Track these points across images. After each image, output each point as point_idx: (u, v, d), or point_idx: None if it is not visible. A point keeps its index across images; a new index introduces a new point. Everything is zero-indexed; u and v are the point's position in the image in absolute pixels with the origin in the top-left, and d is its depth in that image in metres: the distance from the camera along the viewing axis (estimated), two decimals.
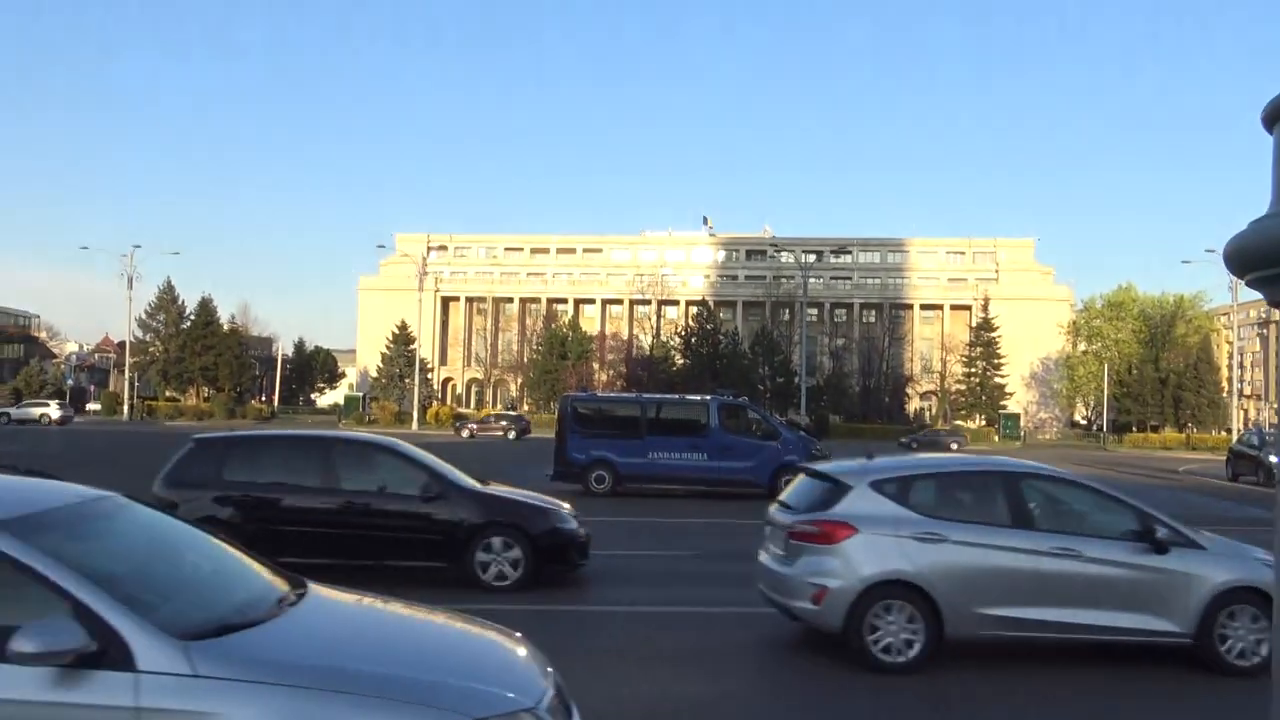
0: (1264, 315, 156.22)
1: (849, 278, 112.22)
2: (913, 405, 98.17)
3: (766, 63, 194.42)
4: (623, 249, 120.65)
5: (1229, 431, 70.27)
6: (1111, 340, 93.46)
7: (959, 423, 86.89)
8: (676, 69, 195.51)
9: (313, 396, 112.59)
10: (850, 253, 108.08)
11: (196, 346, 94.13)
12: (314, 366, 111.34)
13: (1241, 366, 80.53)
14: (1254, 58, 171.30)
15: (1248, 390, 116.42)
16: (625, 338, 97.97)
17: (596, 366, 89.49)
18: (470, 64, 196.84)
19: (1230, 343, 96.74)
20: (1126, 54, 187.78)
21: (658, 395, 29.20)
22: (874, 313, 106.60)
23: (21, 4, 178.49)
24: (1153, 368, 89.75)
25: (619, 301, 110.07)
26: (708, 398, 25.47)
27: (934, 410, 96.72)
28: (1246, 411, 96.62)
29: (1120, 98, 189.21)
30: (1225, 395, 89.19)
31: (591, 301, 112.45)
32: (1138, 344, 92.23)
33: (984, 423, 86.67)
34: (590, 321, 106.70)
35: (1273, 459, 30.44)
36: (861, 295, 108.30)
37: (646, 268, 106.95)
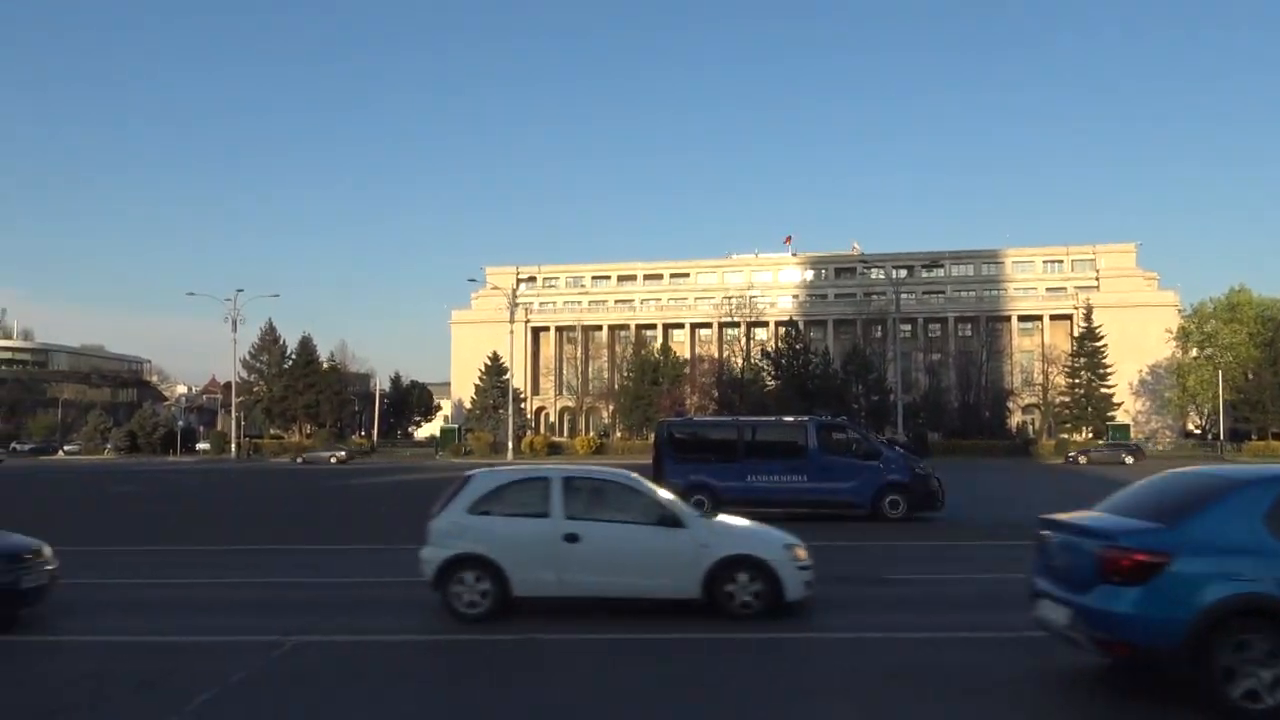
0: None
1: (942, 291, 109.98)
2: (1014, 419, 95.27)
3: (845, 80, 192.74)
4: (709, 273, 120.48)
5: None
6: (1226, 345, 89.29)
7: (1064, 436, 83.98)
8: (754, 90, 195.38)
9: (410, 429, 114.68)
10: (942, 266, 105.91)
11: (299, 385, 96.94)
12: (410, 400, 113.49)
13: None
14: None
15: None
16: (715, 361, 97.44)
17: (688, 390, 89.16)
18: (553, 99, 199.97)
19: None
20: (1214, 54, 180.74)
21: (755, 418, 28.77)
22: (970, 326, 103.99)
23: (121, 65, 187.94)
24: (1271, 372, 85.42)
25: (707, 325, 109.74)
26: (806, 419, 24.99)
27: (1037, 424, 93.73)
28: None
29: (1214, 96, 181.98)
30: None
31: (680, 326, 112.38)
32: (1254, 348, 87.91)
33: (1090, 435, 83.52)
34: (680, 346, 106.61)
35: None
36: (956, 309, 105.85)
37: (734, 290, 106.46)
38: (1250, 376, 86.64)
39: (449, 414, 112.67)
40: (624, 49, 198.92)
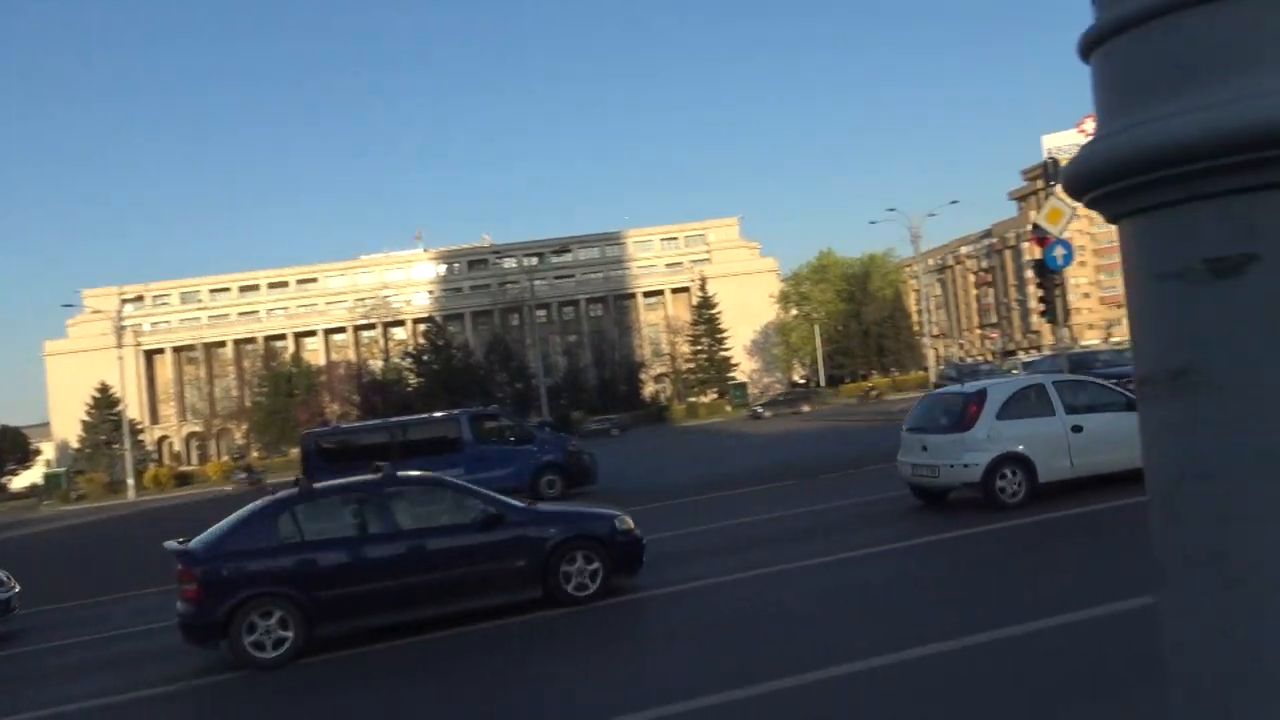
0: (940, 263, 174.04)
1: (572, 275, 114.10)
2: (649, 389, 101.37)
3: (459, 77, 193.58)
4: (339, 275, 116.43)
5: (925, 370, 77.51)
6: (819, 303, 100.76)
7: (692, 400, 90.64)
8: (371, 90, 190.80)
9: (3, 480, 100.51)
10: (571, 251, 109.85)
11: None
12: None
13: (929, 310, 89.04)
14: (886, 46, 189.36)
15: (936, 331, 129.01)
16: (353, 365, 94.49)
17: (327, 398, 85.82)
18: (142, 105, 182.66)
19: (917, 290, 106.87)
20: (796, 39, 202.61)
21: (405, 417, 28.39)
22: (601, 306, 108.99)
23: None
24: (856, 322, 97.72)
25: (341, 330, 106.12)
26: (457, 412, 25.10)
27: (669, 391, 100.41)
28: (937, 350, 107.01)
29: (796, 78, 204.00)
30: (919, 337, 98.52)
31: (312, 333, 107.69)
32: (841, 302, 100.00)
33: (716, 395, 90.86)
34: (314, 354, 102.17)
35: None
36: (587, 291, 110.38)
37: (366, 291, 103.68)
38: (840, 329, 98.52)
39: (51, 458, 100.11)
40: (231, 51, 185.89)
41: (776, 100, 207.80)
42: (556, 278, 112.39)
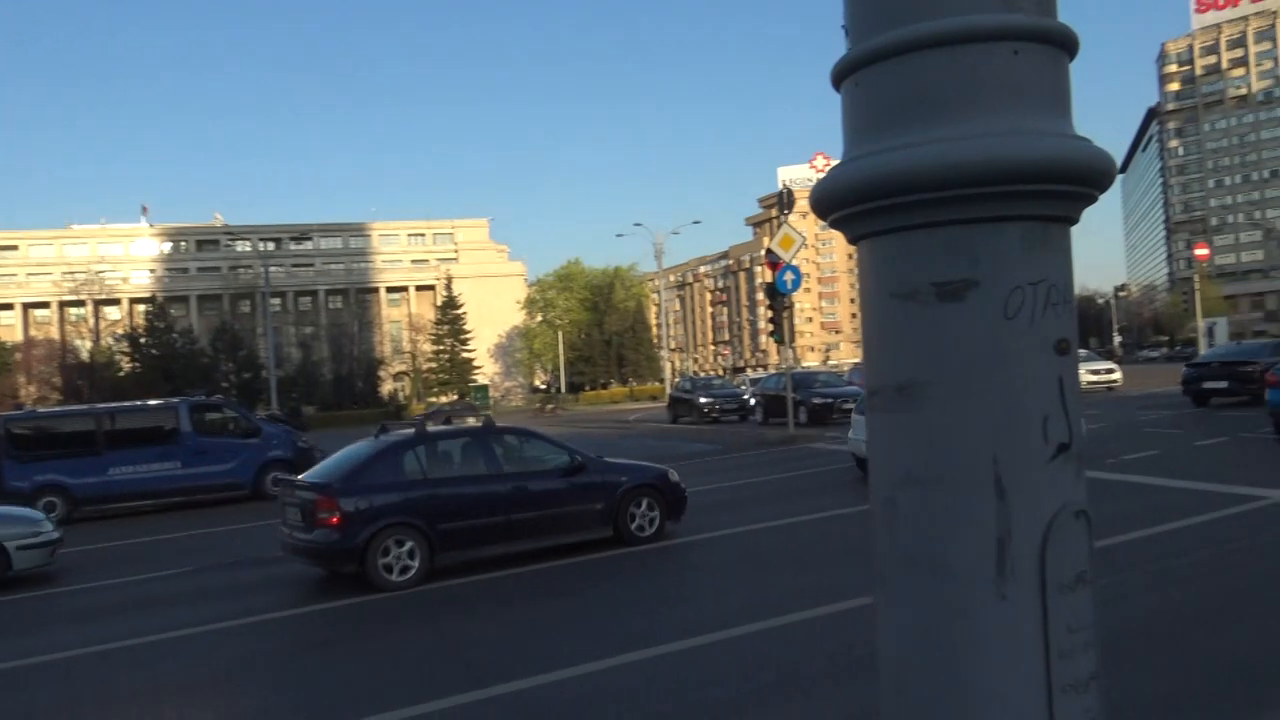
0: (681, 279, 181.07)
1: (312, 264, 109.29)
2: (387, 387, 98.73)
3: (206, 54, 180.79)
4: (44, 245, 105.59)
5: (662, 381, 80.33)
6: (563, 310, 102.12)
7: (432, 400, 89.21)
8: (102, 58, 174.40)
9: None
10: (311, 239, 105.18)
11: None
12: None
13: (668, 324, 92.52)
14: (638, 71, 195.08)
15: (674, 344, 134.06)
16: (57, 344, 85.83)
17: (23, 380, 77.57)
18: None
19: (658, 304, 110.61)
20: (551, 49, 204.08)
21: (116, 404, 26.07)
22: (341, 299, 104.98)
23: None
24: (599, 331, 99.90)
25: (45, 304, 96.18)
26: (176, 400, 23.39)
27: (408, 391, 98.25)
28: (673, 363, 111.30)
29: (551, 91, 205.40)
30: (658, 350, 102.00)
31: (9, 307, 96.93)
32: (585, 311, 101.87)
33: (457, 396, 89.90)
34: (9, 330, 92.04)
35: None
36: (326, 282, 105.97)
37: (78, 264, 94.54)
38: (583, 336, 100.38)
39: None
40: None
41: (538, 108, 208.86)
42: (294, 265, 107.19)
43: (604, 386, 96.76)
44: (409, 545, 10.06)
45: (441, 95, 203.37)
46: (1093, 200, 1.26)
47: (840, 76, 1.29)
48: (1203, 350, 43.55)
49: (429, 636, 8.22)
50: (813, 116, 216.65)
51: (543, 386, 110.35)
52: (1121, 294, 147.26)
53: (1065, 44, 1.22)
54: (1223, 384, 24.03)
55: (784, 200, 25.78)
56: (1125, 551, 8.52)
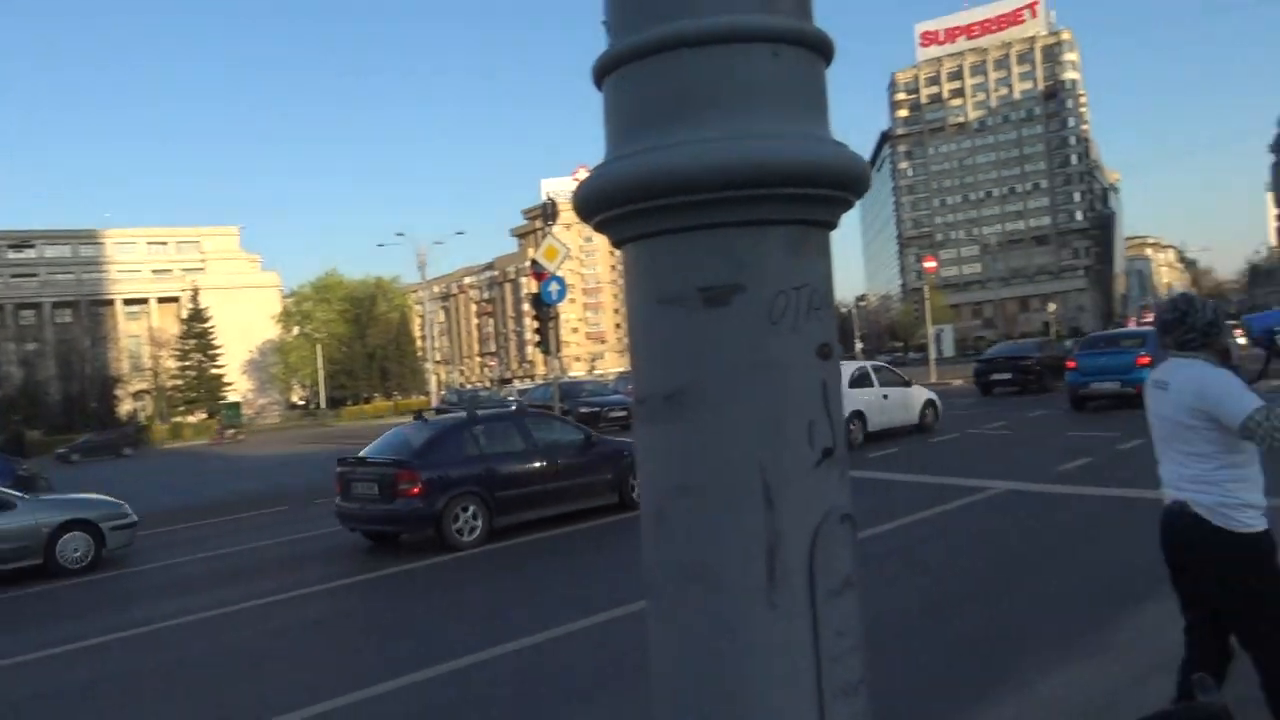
0: (446, 290, 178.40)
1: (35, 275, 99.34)
2: (125, 407, 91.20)
3: None
4: None
5: (427, 394, 78.73)
6: (322, 322, 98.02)
7: (177, 419, 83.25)
8: None
9: None
10: (33, 246, 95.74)
11: None
12: None
13: (433, 336, 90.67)
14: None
15: (439, 356, 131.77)
16: None
17: None
18: None
19: (422, 316, 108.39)
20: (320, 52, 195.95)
21: None
22: (70, 311, 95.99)
23: None
24: (361, 344, 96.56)
25: None
26: None
27: (150, 410, 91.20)
28: (439, 375, 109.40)
29: (303, 95, 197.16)
30: (422, 362, 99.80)
31: None
32: (345, 324, 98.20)
33: (206, 415, 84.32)
34: None
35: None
36: (53, 293, 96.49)
37: None
38: (344, 350, 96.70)
39: None
40: None
41: (291, 113, 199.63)
42: (14, 276, 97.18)
43: (367, 401, 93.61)
44: (472, 510, 11.70)
45: (188, 93, 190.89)
46: (850, 205, 1.25)
47: (602, 73, 1.24)
48: (932, 353, 48.33)
49: (507, 583, 9.85)
50: (575, 128, 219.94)
51: (301, 402, 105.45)
52: (861, 303, 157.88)
53: (822, 49, 1.21)
54: (1007, 375, 29.22)
55: (548, 211, 25.88)
56: (874, 545, 9.07)
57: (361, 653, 7.69)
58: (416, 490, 11.49)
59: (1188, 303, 3.62)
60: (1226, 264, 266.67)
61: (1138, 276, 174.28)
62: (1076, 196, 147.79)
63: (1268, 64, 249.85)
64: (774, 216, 1.15)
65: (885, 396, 19.51)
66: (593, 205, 1.23)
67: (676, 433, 1.18)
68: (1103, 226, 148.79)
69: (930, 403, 20.83)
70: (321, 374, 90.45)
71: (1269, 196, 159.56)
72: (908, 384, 20.79)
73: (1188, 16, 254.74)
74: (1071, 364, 23.02)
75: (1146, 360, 20.55)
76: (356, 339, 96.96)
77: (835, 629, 1.17)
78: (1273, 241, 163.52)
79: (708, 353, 1.15)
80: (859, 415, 18.59)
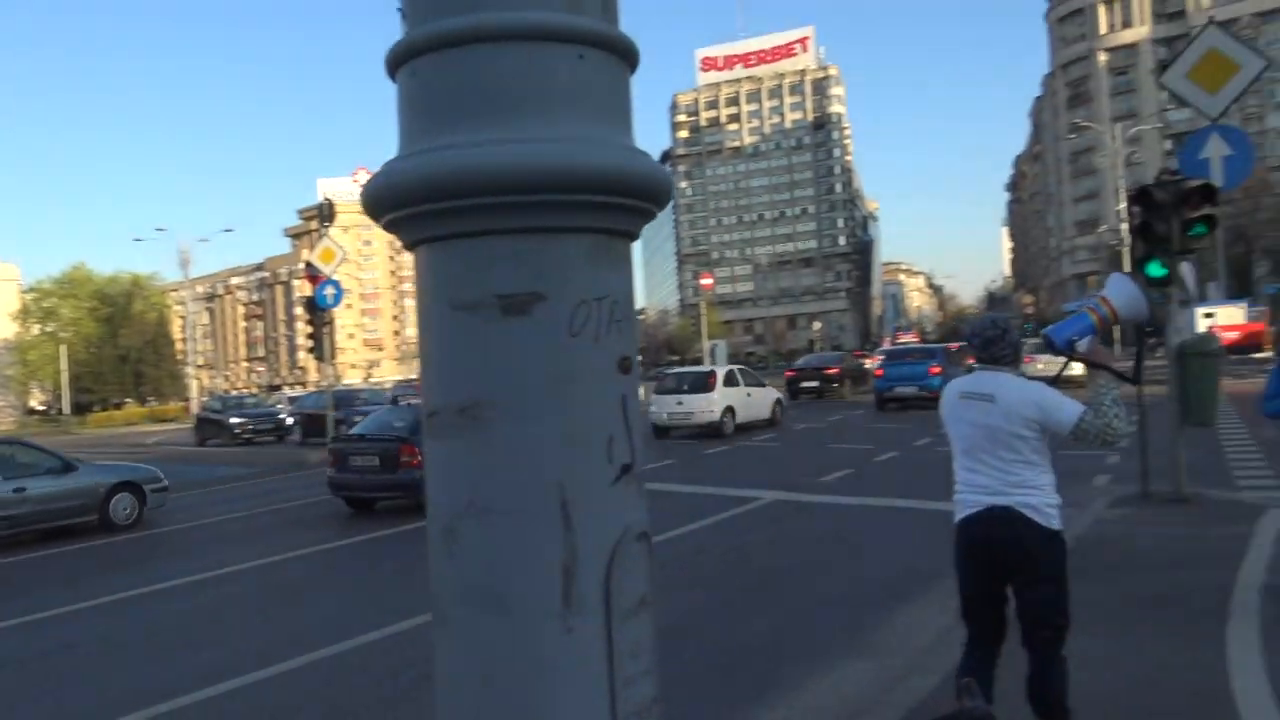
0: (210, 291, 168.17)
1: None
2: None
3: None
4: None
5: (187, 400, 73.86)
6: (68, 320, 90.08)
7: None
8: None
9: None
10: None
11: None
12: None
13: (195, 339, 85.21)
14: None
15: (201, 361, 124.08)
16: None
17: None
18: None
19: (183, 317, 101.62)
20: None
21: None
22: None
23: None
24: (113, 345, 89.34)
25: None
26: None
27: None
28: (201, 380, 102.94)
29: (50, 79, 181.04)
30: (182, 366, 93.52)
31: None
32: (96, 323, 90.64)
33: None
34: None
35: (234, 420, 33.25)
36: None
37: None
38: (93, 351, 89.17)
39: None
40: None
41: (37, 98, 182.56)
42: None
43: (118, 407, 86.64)
44: None
45: None
46: (652, 217, 1.21)
47: (396, 63, 1.15)
48: (707, 366, 50.44)
49: None
50: (354, 128, 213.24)
51: (41, 407, 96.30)
52: (640, 317, 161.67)
53: (627, 56, 1.16)
54: (814, 383, 34.11)
55: (325, 212, 24.89)
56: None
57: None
58: (416, 462, 12.49)
59: (1006, 322, 4.00)
60: (968, 291, 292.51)
61: (892, 300, 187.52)
62: (840, 222, 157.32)
63: (1009, 107, 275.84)
64: (578, 224, 1.10)
65: (749, 395, 22.51)
66: (384, 203, 1.14)
67: (470, 447, 1.10)
68: (862, 252, 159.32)
69: (779, 401, 24.23)
70: (66, 376, 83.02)
71: (1004, 230, 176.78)
72: (764, 385, 24.02)
73: (944, 58, 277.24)
74: (879, 372, 27.85)
75: (938, 370, 25.25)
76: (108, 339, 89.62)
77: (630, 650, 1.13)
78: (1007, 272, 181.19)
79: (505, 364, 1.08)
80: (730, 410, 21.60)
